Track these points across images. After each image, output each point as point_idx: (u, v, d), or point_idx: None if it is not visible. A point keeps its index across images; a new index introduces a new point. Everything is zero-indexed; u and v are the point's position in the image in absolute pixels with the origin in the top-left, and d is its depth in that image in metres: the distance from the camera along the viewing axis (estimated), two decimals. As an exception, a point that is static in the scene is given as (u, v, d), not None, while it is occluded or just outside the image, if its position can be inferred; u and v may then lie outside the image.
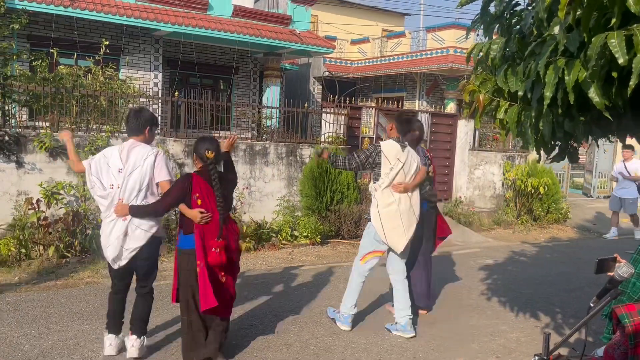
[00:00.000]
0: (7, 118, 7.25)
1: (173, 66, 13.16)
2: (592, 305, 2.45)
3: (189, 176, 3.76)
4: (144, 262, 3.88)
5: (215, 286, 3.63)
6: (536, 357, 2.42)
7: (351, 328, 4.73)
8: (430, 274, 5.38)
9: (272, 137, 9.35)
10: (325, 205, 8.55)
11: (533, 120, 2.59)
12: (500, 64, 2.82)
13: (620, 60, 2.01)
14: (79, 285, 5.71)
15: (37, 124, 7.63)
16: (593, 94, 2.16)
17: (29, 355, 3.90)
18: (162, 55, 12.59)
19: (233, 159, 8.21)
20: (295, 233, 8.29)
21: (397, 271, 4.71)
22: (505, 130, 2.89)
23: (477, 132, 11.49)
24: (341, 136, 9.62)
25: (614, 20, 2.05)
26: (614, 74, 2.19)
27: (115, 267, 3.84)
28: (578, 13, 2.12)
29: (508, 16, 3.05)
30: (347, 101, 9.89)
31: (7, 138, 6.77)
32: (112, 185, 3.80)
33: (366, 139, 10.02)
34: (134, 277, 4.01)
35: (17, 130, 7.01)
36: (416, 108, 17.12)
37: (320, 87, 17.33)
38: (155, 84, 12.37)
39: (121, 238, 3.73)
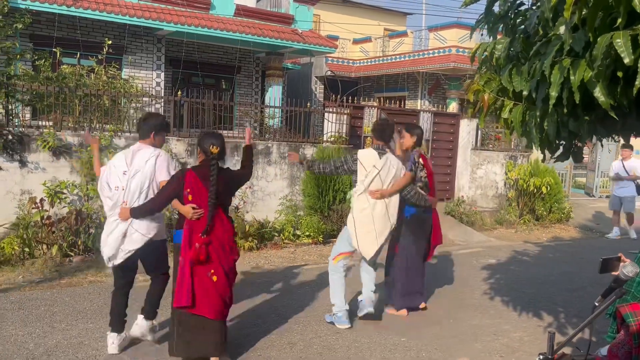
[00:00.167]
0: (11, 117, 7.27)
1: (175, 65, 13.17)
2: (597, 304, 2.46)
3: (182, 172, 3.78)
4: (149, 260, 3.99)
5: (202, 285, 3.62)
6: (541, 356, 2.43)
7: (351, 324, 4.76)
8: (415, 277, 5.20)
9: (275, 136, 9.36)
10: (327, 204, 8.56)
11: (538, 119, 2.59)
12: (504, 64, 2.83)
13: (626, 60, 2.01)
14: (82, 284, 5.72)
15: (40, 123, 7.65)
16: (599, 94, 2.17)
17: (33, 353, 3.92)
18: (164, 54, 12.60)
19: (235, 158, 8.30)
20: (298, 232, 8.30)
21: (367, 270, 4.89)
22: (510, 129, 2.89)
23: (479, 132, 11.49)
24: (343, 135, 9.63)
25: (619, 20, 2.06)
26: (619, 74, 2.19)
27: (109, 265, 3.97)
28: (583, 13, 2.13)
29: (512, 16, 3.05)
30: (350, 101, 9.89)
31: (10, 137, 6.78)
32: (117, 187, 3.88)
33: (368, 138, 10.02)
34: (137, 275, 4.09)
35: (21, 129, 7.03)
36: (418, 107, 17.12)
37: (322, 86, 17.34)
38: (158, 84, 12.38)
39: (119, 239, 3.85)
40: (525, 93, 2.60)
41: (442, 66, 16.23)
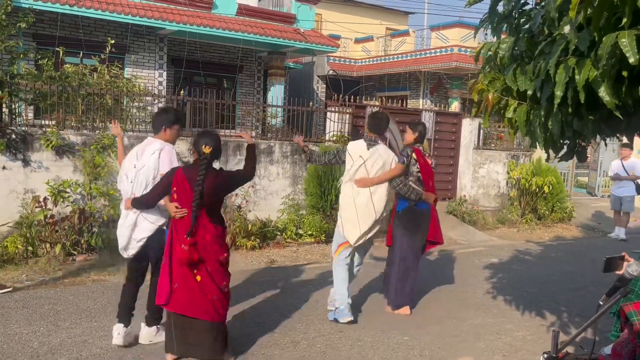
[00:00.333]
0: (14, 116, 7.29)
1: (178, 65, 13.19)
2: (601, 303, 2.46)
3: (173, 170, 3.79)
4: (154, 252, 4.02)
5: (186, 285, 3.62)
6: (545, 355, 2.44)
7: (353, 317, 4.80)
8: (413, 274, 5.20)
9: (277, 135, 9.37)
10: (330, 203, 8.57)
11: (542, 119, 2.59)
12: (509, 63, 2.83)
13: (631, 60, 2.01)
14: (85, 283, 5.74)
15: (43, 122, 7.67)
16: (603, 93, 2.17)
17: (38, 352, 3.93)
18: (166, 53, 12.62)
19: (238, 157, 8.31)
20: (300, 231, 8.31)
21: (355, 258, 5.01)
22: (514, 129, 2.90)
23: (481, 131, 11.48)
24: (346, 135, 9.63)
25: (624, 20, 2.06)
26: (624, 73, 2.20)
27: (125, 255, 4.08)
28: (589, 12, 2.13)
29: (516, 15, 3.05)
30: (352, 100, 9.90)
31: (14, 136, 6.80)
32: (129, 179, 4.03)
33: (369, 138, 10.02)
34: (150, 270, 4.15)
35: (24, 128, 7.05)
36: (420, 107, 17.11)
37: (324, 85, 17.33)
38: (160, 83, 12.41)
39: (130, 228, 3.98)
40: (529, 92, 2.60)
41: (444, 65, 16.22)
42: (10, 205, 6.75)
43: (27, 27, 7.44)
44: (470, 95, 3.19)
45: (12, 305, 4.89)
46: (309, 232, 8.24)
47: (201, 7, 12.22)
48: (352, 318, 4.79)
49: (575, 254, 8.50)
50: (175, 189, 3.67)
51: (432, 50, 17.18)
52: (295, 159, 8.92)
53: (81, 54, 9.58)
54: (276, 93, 13.59)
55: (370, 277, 6.39)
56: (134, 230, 3.97)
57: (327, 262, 7.17)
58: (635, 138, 3.32)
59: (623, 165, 9.95)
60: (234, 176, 4.03)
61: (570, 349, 3.46)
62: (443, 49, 16.68)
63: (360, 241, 4.84)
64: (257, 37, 12.13)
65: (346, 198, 4.89)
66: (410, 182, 5.06)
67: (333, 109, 9.73)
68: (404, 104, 18.05)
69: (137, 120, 8.74)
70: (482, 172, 11.33)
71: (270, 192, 8.69)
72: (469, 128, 11.17)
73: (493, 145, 11.86)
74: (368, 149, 4.87)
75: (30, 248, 6.42)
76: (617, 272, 2.64)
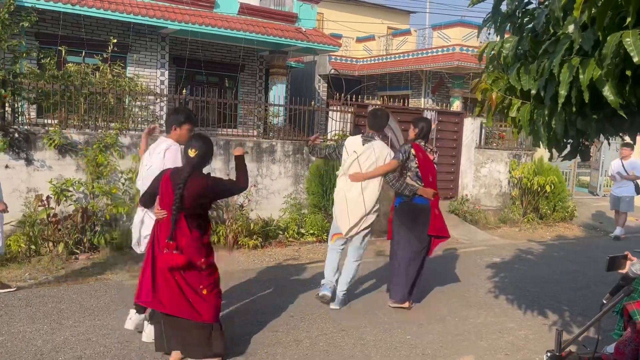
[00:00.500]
0: (17, 115, 7.31)
1: (179, 64, 13.21)
2: (605, 302, 2.47)
3: (162, 171, 3.81)
4: None
5: (168, 284, 3.63)
6: (548, 354, 2.45)
7: (330, 295, 5.20)
8: (411, 270, 5.21)
9: (279, 135, 9.38)
10: (331, 203, 8.50)
11: (546, 118, 2.60)
12: (512, 63, 2.83)
13: (635, 59, 2.02)
14: (88, 282, 5.75)
15: (45, 121, 7.68)
16: (608, 93, 2.18)
17: (42, 350, 3.95)
18: (168, 53, 12.65)
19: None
20: (302, 230, 8.32)
21: (350, 251, 5.25)
22: (518, 128, 2.90)
23: (483, 130, 11.49)
24: (347, 134, 9.63)
25: (629, 20, 2.07)
26: (628, 73, 2.21)
27: (138, 251, 4.22)
28: (593, 12, 2.14)
29: (520, 15, 3.06)
30: (353, 99, 9.90)
31: (17, 135, 6.82)
32: (140, 177, 4.20)
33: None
34: None
35: (27, 127, 7.06)
36: (422, 106, 17.11)
37: (326, 84, 17.35)
38: (162, 82, 12.43)
39: (139, 225, 4.12)
40: (533, 92, 2.61)
41: (445, 65, 16.22)
42: (13, 204, 6.72)
43: (29, 26, 7.46)
44: (472, 94, 3.20)
45: (16, 303, 4.91)
46: (311, 231, 8.25)
47: (203, 6, 12.23)
48: (325, 293, 5.19)
49: (577, 254, 8.50)
50: (161, 190, 3.69)
51: (434, 50, 17.18)
52: (297, 158, 8.93)
53: (83, 53, 9.62)
54: (278, 92, 13.61)
55: (372, 276, 6.41)
56: (142, 227, 4.11)
57: (329, 261, 7.19)
58: (638, 138, 3.31)
59: (623, 165, 9.92)
60: (222, 184, 3.90)
61: (572, 348, 3.47)
62: (445, 48, 16.68)
63: (351, 232, 5.08)
64: (259, 36, 12.14)
65: (339, 191, 5.13)
66: (408, 178, 5.14)
67: (335, 108, 9.74)
68: (406, 103, 18.06)
69: (139, 119, 8.74)
70: (484, 171, 11.33)
71: (272, 191, 8.70)
72: (471, 127, 11.17)
73: (495, 144, 11.86)
74: (363, 144, 5.07)
75: (33, 247, 6.44)
76: (620, 271, 2.64)
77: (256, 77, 14.93)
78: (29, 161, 6.89)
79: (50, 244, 6.56)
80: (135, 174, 7.14)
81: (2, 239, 5.24)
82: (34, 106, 8.21)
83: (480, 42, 15.08)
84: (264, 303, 5.25)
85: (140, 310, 4.12)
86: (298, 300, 5.40)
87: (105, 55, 8.71)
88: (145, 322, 4.16)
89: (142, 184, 4.09)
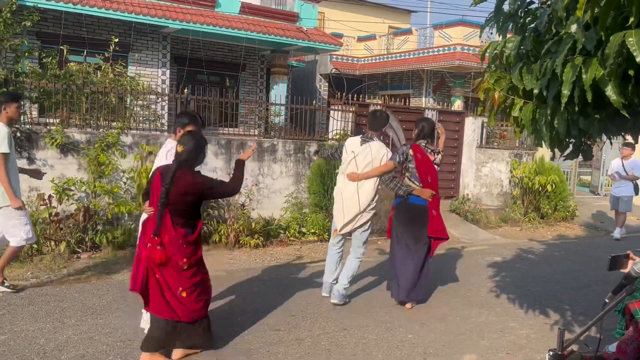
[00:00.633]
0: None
1: (181, 63, 13.22)
2: (607, 301, 2.48)
3: (156, 169, 3.84)
4: None
5: (149, 281, 3.67)
6: (550, 353, 2.45)
7: (326, 294, 5.42)
8: (408, 269, 5.23)
9: (280, 134, 9.39)
10: (333, 202, 8.55)
11: (548, 117, 2.60)
12: (515, 62, 2.84)
13: (638, 59, 2.01)
14: (90, 281, 5.76)
15: (47, 120, 7.69)
16: (610, 92, 2.18)
17: (44, 348, 3.96)
18: (170, 52, 12.65)
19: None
20: (303, 230, 8.33)
21: (352, 249, 5.38)
22: (520, 127, 2.91)
23: (484, 130, 11.49)
24: (349, 133, 9.64)
25: (631, 19, 2.07)
26: (631, 72, 2.21)
27: None
28: (596, 11, 2.14)
29: (522, 14, 3.06)
30: (354, 98, 9.90)
31: (19, 134, 6.82)
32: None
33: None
34: None
35: (29, 126, 7.07)
36: (423, 105, 17.11)
37: (327, 84, 17.35)
38: (163, 81, 12.44)
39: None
40: (535, 91, 2.61)
41: (447, 64, 16.21)
42: (15, 203, 6.76)
43: (31, 25, 7.46)
44: (473, 93, 3.21)
45: (18, 302, 4.92)
46: (312, 231, 8.26)
47: (204, 6, 12.24)
48: (326, 295, 5.42)
49: (578, 253, 8.50)
50: (152, 188, 3.73)
51: (435, 49, 17.18)
52: (298, 158, 8.94)
53: (85, 52, 9.62)
54: (279, 91, 13.61)
55: (373, 275, 6.42)
56: None
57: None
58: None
59: (623, 165, 9.88)
60: (211, 184, 3.81)
61: (574, 347, 3.48)
62: (446, 48, 16.68)
63: (346, 229, 5.26)
64: (260, 36, 12.14)
65: (337, 189, 5.35)
66: (406, 178, 5.25)
67: (336, 108, 9.74)
68: (407, 103, 18.07)
69: (140, 118, 8.75)
70: (485, 170, 11.33)
71: (274, 191, 8.71)
72: (472, 127, 11.18)
73: (496, 144, 11.87)
74: (361, 145, 5.21)
75: (35, 246, 6.43)
76: (623, 271, 2.65)
77: (257, 76, 14.94)
78: (31, 160, 6.90)
79: (52, 243, 6.58)
80: (137, 173, 7.16)
81: (32, 229, 5.29)
82: (36, 105, 8.21)
83: (482, 42, 15.08)
84: (266, 302, 5.26)
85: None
86: (299, 299, 5.41)
87: (106, 55, 8.71)
88: (143, 310, 4.19)
89: None
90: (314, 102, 9.63)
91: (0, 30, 6.83)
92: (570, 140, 3.00)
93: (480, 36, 3.58)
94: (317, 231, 8.23)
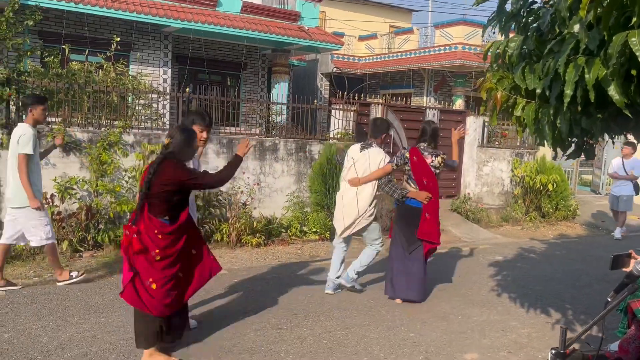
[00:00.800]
0: (21, 113, 7.32)
1: (182, 62, 13.24)
2: (609, 299, 2.49)
3: (149, 163, 3.93)
4: None
5: (124, 269, 3.71)
6: (553, 351, 2.46)
7: (333, 292, 5.56)
8: (401, 266, 5.36)
9: (281, 133, 9.40)
10: (334, 201, 8.56)
11: (551, 117, 2.61)
12: (517, 62, 2.85)
13: (641, 59, 2.03)
14: (93, 279, 5.77)
15: (49, 119, 7.69)
16: (613, 92, 2.19)
17: (48, 346, 3.97)
18: (171, 51, 12.66)
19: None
20: (305, 229, 8.34)
21: (368, 243, 5.57)
22: (522, 127, 2.92)
23: (485, 129, 11.49)
24: (350, 132, 9.65)
25: (634, 19, 2.08)
26: (634, 72, 2.22)
27: None
28: (598, 11, 2.15)
29: (525, 14, 3.07)
30: (355, 97, 9.91)
31: (21, 133, 6.83)
32: None
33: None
34: None
35: (31, 125, 7.07)
36: (424, 104, 17.12)
37: (328, 83, 17.35)
38: (165, 80, 12.45)
39: None
40: (538, 91, 2.62)
41: (448, 63, 16.21)
42: (17, 202, 6.78)
43: (34, 24, 7.47)
44: (475, 93, 3.23)
45: (21, 301, 4.94)
46: (314, 230, 8.27)
47: (205, 5, 12.24)
48: (330, 292, 5.55)
49: (579, 252, 8.51)
50: (142, 179, 3.82)
51: (436, 48, 17.17)
52: (299, 157, 8.95)
53: (87, 51, 9.63)
54: (280, 90, 13.62)
55: (375, 274, 6.42)
56: None
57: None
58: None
59: (623, 164, 9.85)
60: (193, 174, 3.76)
61: (576, 346, 3.49)
62: (447, 47, 16.67)
63: (345, 233, 5.40)
64: (262, 35, 12.15)
65: (338, 194, 5.53)
66: (405, 181, 5.39)
67: (337, 107, 9.75)
68: (408, 102, 18.07)
69: (142, 117, 8.76)
70: (486, 170, 11.34)
71: (275, 190, 8.72)
72: (473, 126, 11.18)
73: (497, 143, 11.87)
74: (360, 151, 5.41)
75: (37, 244, 6.45)
76: (624, 269, 2.66)
77: (258, 75, 14.95)
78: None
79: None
80: (139, 172, 7.17)
81: (52, 229, 5.39)
82: (38, 104, 8.21)
83: (484, 41, 15.08)
84: (267, 301, 5.27)
85: None
86: (301, 298, 5.42)
87: (108, 54, 8.72)
88: None
89: None
90: (315, 101, 9.64)
91: (2, 29, 6.85)
92: (573, 140, 3.01)
93: (482, 36, 3.59)
94: (318, 230, 8.24)
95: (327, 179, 8.63)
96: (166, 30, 12.19)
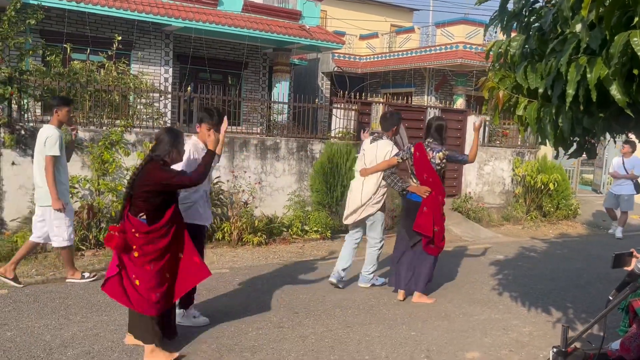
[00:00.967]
0: (23, 112, 7.34)
1: (183, 61, 13.25)
2: (611, 298, 2.50)
3: None
4: None
5: (111, 265, 3.80)
6: (554, 350, 2.47)
7: (336, 282, 5.70)
8: (403, 258, 5.48)
9: (283, 132, 9.40)
10: (335, 200, 8.60)
11: (553, 116, 2.62)
12: (519, 61, 2.85)
13: (643, 58, 2.04)
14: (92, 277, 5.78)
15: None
16: (615, 91, 2.20)
17: (50, 345, 3.99)
18: (172, 50, 12.67)
19: (245, 153, 8.34)
20: (306, 228, 8.35)
21: (368, 239, 5.76)
22: (524, 126, 2.93)
23: (486, 128, 11.49)
24: (351, 131, 9.66)
25: (636, 19, 2.09)
26: (635, 72, 2.23)
27: None
28: (600, 11, 2.16)
29: (527, 13, 3.08)
30: (356, 96, 9.92)
31: (23, 132, 6.86)
32: None
33: (375, 134, 10.04)
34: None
35: (32, 124, 7.10)
36: (425, 104, 17.12)
37: (329, 82, 17.36)
38: (166, 79, 12.46)
39: None
40: (540, 90, 2.63)
41: (449, 62, 16.21)
42: (19, 201, 6.81)
43: (35, 23, 7.48)
44: (476, 92, 3.24)
45: (24, 299, 4.95)
46: (315, 229, 8.28)
47: (207, 4, 12.26)
48: (331, 280, 5.71)
49: (580, 251, 8.52)
50: None
51: (437, 47, 17.17)
52: (301, 156, 8.96)
53: (88, 50, 9.63)
54: (281, 90, 13.63)
55: (377, 273, 6.43)
56: None
57: (333, 258, 7.21)
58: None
59: (623, 163, 9.82)
60: (169, 174, 3.78)
61: (577, 344, 3.49)
62: (448, 46, 16.66)
63: (349, 220, 5.66)
64: (263, 34, 12.15)
65: (351, 184, 5.76)
66: (409, 176, 5.55)
67: (338, 106, 9.75)
68: (409, 101, 18.06)
69: (144, 116, 8.77)
70: (487, 169, 11.35)
71: (276, 189, 8.73)
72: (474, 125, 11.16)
73: (498, 142, 11.87)
74: (370, 143, 5.61)
75: (39, 243, 6.47)
76: (626, 268, 2.67)
77: (259, 74, 14.95)
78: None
79: (57, 240, 6.59)
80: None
81: (73, 232, 5.50)
82: (40, 103, 8.23)
83: (485, 40, 15.08)
84: (269, 299, 5.29)
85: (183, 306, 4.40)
86: (303, 296, 5.43)
87: (109, 53, 8.73)
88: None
89: None
90: (316, 100, 9.66)
91: (4, 28, 6.85)
92: (574, 139, 3.02)
93: (484, 35, 3.60)
94: (319, 229, 8.25)
95: (328, 178, 8.64)
96: (167, 29, 12.21)
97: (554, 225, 10.84)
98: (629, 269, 2.55)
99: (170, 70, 12.60)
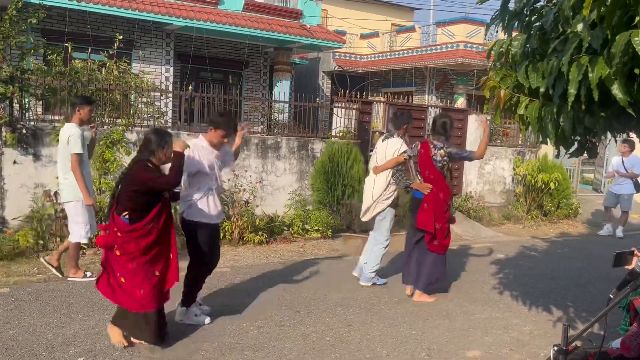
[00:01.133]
0: (24, 111, 7.35)
1: (184, 60, 13.26)
2: (611, 296, 2.51)
3: None
4: (185, 236, 4.46)
5: (102, 262, 3.92)
6: (555, 348, 2.48)
7: (358, 275, 5.94)
8: (412, 255, 5.56)
9: (283, 131, 9.41)
10: (336, 199, 8.61)
11: (554, 116, 2.63)
12: (520, 61, 2.86)
13: (644, 58, 2.05)
14: (96, 277, 5.79)
15: (52, 117, 7.72)
16: (616, 91, 2.21)
17: (52, 343, 4.00)
18: (173, 49, 12.69)
19: (245, 152, 8.34)
20: (307, 227, 8.35)
21: (374, 237, 5.87)
22: (526, 125, 2.93)
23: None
24: (352, 131, 9.67)
25: (637, 19, 2.09)
26: (637, 71, 2.23)
27: None
28: (602, 11, 2.16)
29: (528, 13, 3.08)
30: (357, 96, 9.92)
31: (24, 131, 6.87)
32: None
33: (376, 133, 10.06)
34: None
35: (34, 123, 7.11)
36: (426, 103, 17.12)
37: (330, 81, 17.37)
38: (167, 78, 12.47)
39: None
40: (541, 89, 2.64)
41: (450, 61, 16.21)
42: (21, 200, 6.82)
43: (37, 22, 7.49)
44: (476, 91, 3.25)
45: (25, 298, 4.96)
46: (316, 228, 8.28)
47: (208, 3, 12.27)
48: (354, 273, 6.03)
49: (581, 250, 8.52)
50: None
51: (438, 46, 17.17)
52: (301, 155, 8.97)
53: (89, 49, 9.64)
54: (282, 89, 13.64)
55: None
56: None
57: (334, 257, 7.24)
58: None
59: (623, 162, 9.81)
60: (149, 176, 3.78)
61: (578, 343, 3.50)
62: (449, 45, 16.67)
63: (365, 217, 5.82)
64: (264, 33, 12.16)
65: (365, 181, 5.95)
66: (413, 174, 5.67)
67: (339, 105, 9.76)
68: (410, 100, 18.07)
69: (145, 115, 8.78)
70: (488, 168, 11.35)
71: (277, 188, 8.74)
72: (475, 124, 11.18)
73: (499, 141, 11.87)
74: (382, 142, 5.73)
75: (41, 242, 6.49)
76: (627, 267, 2.68)
77: (260, 73, 14.96)
78: (36, 157, 6.94)
79: (58, 239, 6.62)
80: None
81: (90, 229, 5.58)
82: (41, 102, 8.25)
83: (486, 40, 15.07)
84: (270, 298, 5.30)
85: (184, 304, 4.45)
86: (304, 295, 5.44)
87: (111, 52, 8.73)
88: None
89: None
90: (317, 99, 9.66)
91: (5, 27, 6.86)
92: (576, 138, 3.03)
93: (485, 35, 3.61)
94: (320, 228, 8.26)
95: (329, 177, 8.65)
96: (168, 29, 12.21)
97: (555, 225, 10.85)
98: (630, 267, 2.56)
99: (171, 69, 12.62)
